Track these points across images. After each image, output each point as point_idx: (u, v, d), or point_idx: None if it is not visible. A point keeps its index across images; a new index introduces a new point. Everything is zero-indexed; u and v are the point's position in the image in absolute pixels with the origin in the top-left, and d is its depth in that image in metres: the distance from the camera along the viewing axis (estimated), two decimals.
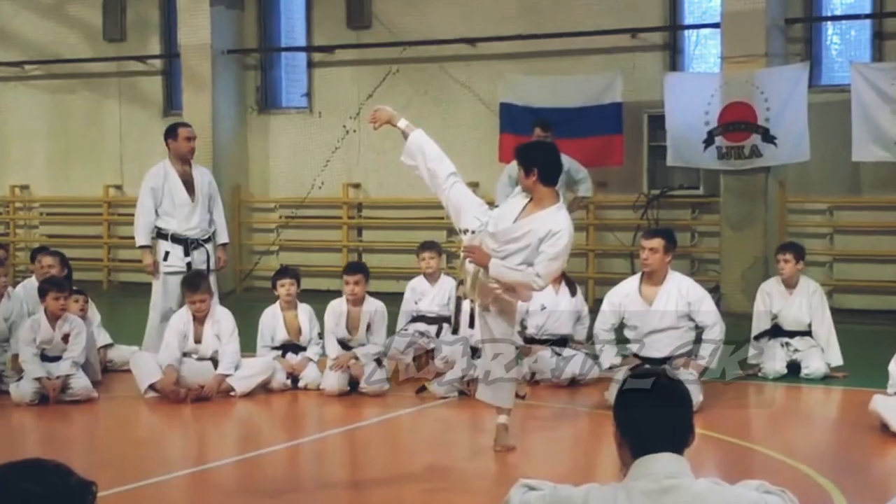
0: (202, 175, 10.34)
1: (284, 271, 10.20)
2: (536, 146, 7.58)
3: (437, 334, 10.22)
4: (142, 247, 10.08)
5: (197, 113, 16.05)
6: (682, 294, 8.66)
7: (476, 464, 7.37)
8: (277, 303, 9.91)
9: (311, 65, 17.22)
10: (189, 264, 10.00)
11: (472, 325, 7.31)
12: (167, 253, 10.03)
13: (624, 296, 8.86)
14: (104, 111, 18.31)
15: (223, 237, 10.40)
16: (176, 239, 10.03)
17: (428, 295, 10.45)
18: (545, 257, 6.88)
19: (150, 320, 10.11)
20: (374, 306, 9.61)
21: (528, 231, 6.94)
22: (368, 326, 9.53)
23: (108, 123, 18.26)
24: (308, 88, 17.20)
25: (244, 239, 17.34)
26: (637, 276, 8.97)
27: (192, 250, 10.07)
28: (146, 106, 18.02)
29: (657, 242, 8.67)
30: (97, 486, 2.63)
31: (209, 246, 10.20)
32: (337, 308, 9.62)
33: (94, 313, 10.48)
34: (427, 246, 10.63)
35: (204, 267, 10.06)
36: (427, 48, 16.13)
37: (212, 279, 9.97)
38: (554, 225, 6.92)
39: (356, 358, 9.37)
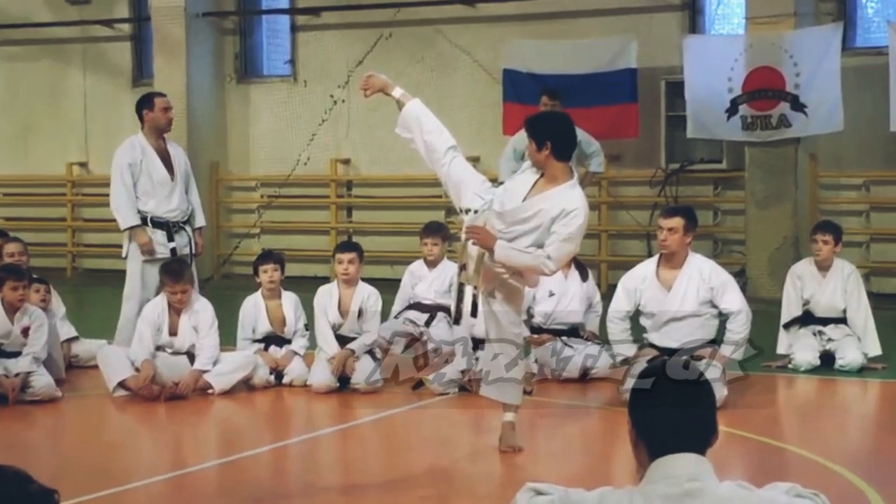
0: (177, 151, 10.31)
1: (267, 256, 10.19)
2: (550, 117, 7.58)
3: (429, 323, 10.24)
4: (130, 228, 9.96)
5: (170, 82, 16.03)
6: (703, 278, 8.67)
7: (479, 466, 7.38)
8: (259, 291, 9.90)
9: (294, 29, 17.19)
10: (174, 250, 9.96)
11: (474, 313, 7.28)
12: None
13: (640, 280, 8.86)
14: (67, 81, 18.28)
15: (200, 220, 10.37)
16: (156, 222, 9.99)
17: (426, 280, 10.48)
18: (557, 238, 6.87)
19: (125, 312, 10.06)
20: (367, 291, 9.61)
21: (538, 210, 6.92)
22: (360, 313, 9.53)
23: (71, 94, 18.23)
24: (292, 55, 17.18)
25: (222, 221, 17.34)
26: (654, 259, 8.97)
27: (174, 234, 10.04)
28: (114, 75, 18.00)
29: (676, 222, 8.67)
30: (59, 494, 2.63)
31: (189, 228, 10.17)
32: (328, 291, 9.64)
33: (57, 304, 10.45)
34: (431, 230, 10.63)
35: (187, 252, 10.05)
36: (422, 10, 16.11)
37: (192, 266, 9.95)
38: (568, 203, 6.90)
39: (352, 352, 9.35)
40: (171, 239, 10.00)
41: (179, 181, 10.11)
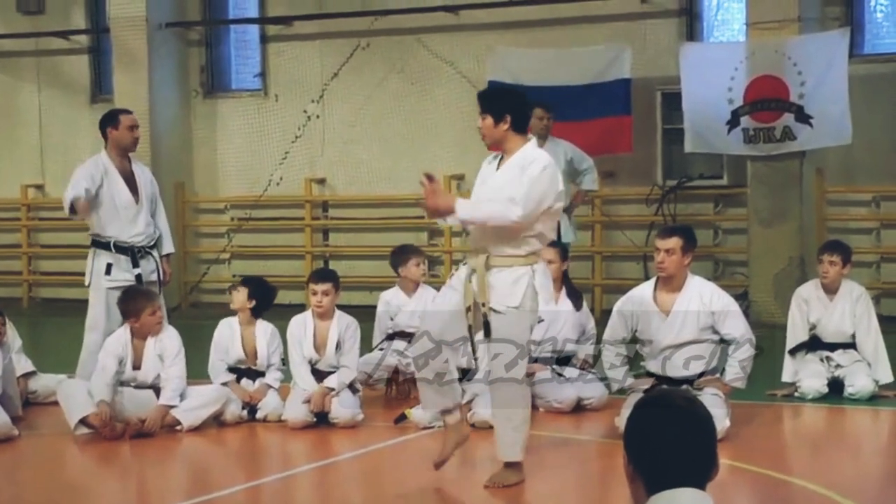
0: (143, 172, 10.34)
1: (246, 281, 10.24)
2: (505, 91, 7.88)
3: None
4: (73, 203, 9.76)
5: (131, 98, 16.04)
6: (703, 302, 8.71)
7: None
8: (237, 315, 9.90)
9: (265, 39, 17.24)
10: (139, 276, 9.97)
11: (487, 333, 7.36)
12: (109, 265, 9.97)
13: (636, 305, 8.91)
14: (20, 97, 18.28)
15: (168, 246, 10.39)
16: (119, 248, 10.01)
17: (407, 307, 10.47)
18: (527, 183, 7.16)
19: (87, 343, 10.05)
20: (345, 322, 9.62)
21: (509, 178, 7.27)
22: (338, 346, 9.55)
23: (25, 112, 18.23)
24: (262, 67, 17.23)
25: (189, 245, 17.34)
26: (651, 282, 9.02)
27: (140, 260, 10.05)
28: (71, 90, 18.01)
29: (674, 242, 8.72)
30: None
31: (156, 254, 10.18)
32: (301, 322, 9.65)
33: (12, 337, 10.45)
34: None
35: (154, 279, 10.06)
36: (402, 18, 16.16)
37: (160, 295, 9.95)
38: (527, 154, 7.32)
39: (331, 389, 9.36)
40: (136, 265, 10.02)
41: (145, 204, 10.14)
